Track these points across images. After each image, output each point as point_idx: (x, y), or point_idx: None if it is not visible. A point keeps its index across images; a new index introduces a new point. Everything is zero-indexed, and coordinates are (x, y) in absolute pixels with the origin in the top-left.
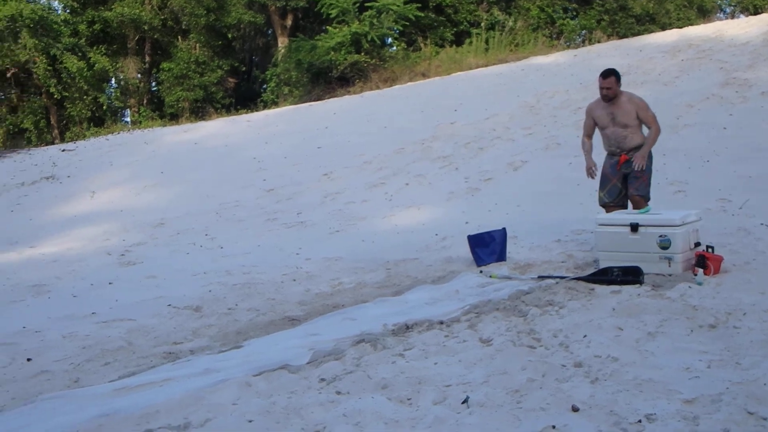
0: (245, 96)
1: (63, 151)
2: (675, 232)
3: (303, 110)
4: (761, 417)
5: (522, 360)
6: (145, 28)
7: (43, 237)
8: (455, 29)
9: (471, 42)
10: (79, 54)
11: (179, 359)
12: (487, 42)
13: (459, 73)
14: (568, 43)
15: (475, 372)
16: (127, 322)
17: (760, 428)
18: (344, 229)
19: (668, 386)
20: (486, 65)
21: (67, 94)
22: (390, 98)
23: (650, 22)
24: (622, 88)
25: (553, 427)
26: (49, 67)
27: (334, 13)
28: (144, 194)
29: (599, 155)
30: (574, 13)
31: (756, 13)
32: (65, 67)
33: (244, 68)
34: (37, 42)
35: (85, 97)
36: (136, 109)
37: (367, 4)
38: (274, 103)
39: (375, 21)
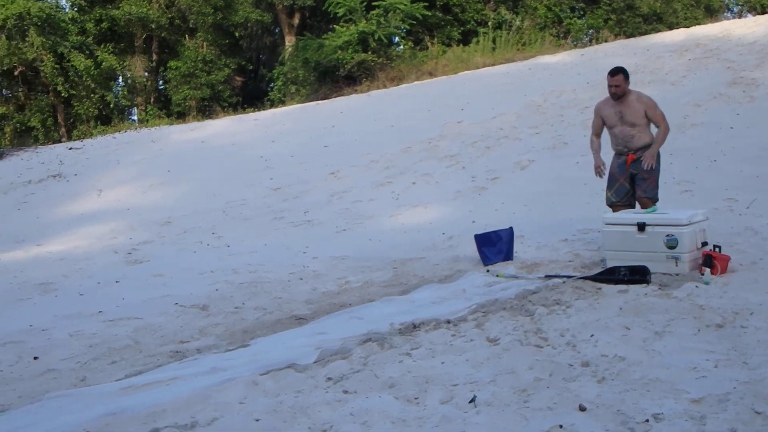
0: (252, 95)
1: (70, 149)
2: (682, 232)
3: (310, 109)
4: None
5: (529, 359)
6: (153, 26)
7: (49, 235)
8: (462, 28)
9: (478, 41)
10: (87, 52)
11: (186, 358)
12: (494, 41)
13: (466, 72)
14: (575, 43)
15: (482, 371)
16: (133, 320)
17: (767, 428)
18: (351, 228)
19: (675, 386)
20: (493, 64)
21: (74, 92)
22: (397, 97)
23: (657, 21)
24: (630, 87)
25: (561, 426)
26: (56, 66)
27: (341, 11)
28: (151, 193)
29: (608, 155)
30: (582, 13)
31: (763, 12)
32: (72, 66)
33: (251, 67)
34: (44, 40)
35: (92, 95)
36: (143, 108)
37: (374, 3)
38: (281, 102)
39: (382, 20)
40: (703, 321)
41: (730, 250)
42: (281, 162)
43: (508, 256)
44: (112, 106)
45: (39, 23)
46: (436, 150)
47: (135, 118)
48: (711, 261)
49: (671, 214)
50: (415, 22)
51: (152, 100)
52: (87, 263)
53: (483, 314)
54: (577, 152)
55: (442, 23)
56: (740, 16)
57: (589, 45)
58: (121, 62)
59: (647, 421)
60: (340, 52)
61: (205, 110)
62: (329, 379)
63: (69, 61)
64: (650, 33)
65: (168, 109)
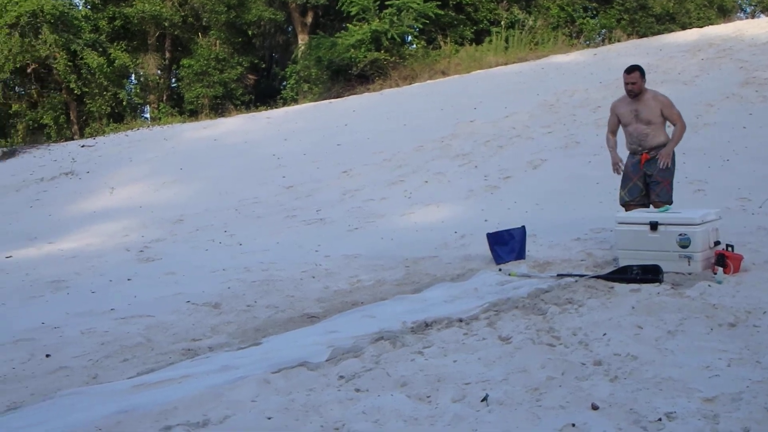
0: (265, 93)
1: (82, 146)
2: (695, 231)
3: (322, 107)
4: None
5: (541, 358)
6: (166, 24)
7: (62, 233)
8: (475, 27)
9: (491, 40)
10: (100, 50)
11: (198, 356)
12: (506, 40)
13: (479, 71)
14: (587, 42)
15: (495, 370)
16: (145, 318)
17: None
18: (363, 227)
19: (688, 385)
20: (506, 64)
21: (87, 89)
22: (409, 96)
23: (670, 21)
24: (646, 86)
25: (573, 425)
26: (69, 63)
27: (354, 10)
28: (163, 190)
29: (622, 154)
30: (594, 12)
31: None
32: (85, 63)
33: (264, 65)
34: (57, 38)
35: (104, 93)
36: (156, 106)
37: (387, 2)
38: (294, 101)
39: (395, 19)
40: (715, 320)
41: (743, 250)
42: (294, 160)
43: (520, 254)
44: (124, 103)
45: (52, 21)
46: (449, 149)
47: (147, 115)
48: (724, 260)
49: (684, 214)
50: (428, 21)
51: (165, 98)
52: (99, 261)
53: (495, 313)
54: (590, 151)
55: (455, 22)
56: (753, 17)
57: (602, 45)
58: (134, 60)
59: (660, 420)
60: (352, 50)
61: (218, 108)
62: (341, 377)
63: (82, 58)
64: (663, 33)
65: (180, 107)
